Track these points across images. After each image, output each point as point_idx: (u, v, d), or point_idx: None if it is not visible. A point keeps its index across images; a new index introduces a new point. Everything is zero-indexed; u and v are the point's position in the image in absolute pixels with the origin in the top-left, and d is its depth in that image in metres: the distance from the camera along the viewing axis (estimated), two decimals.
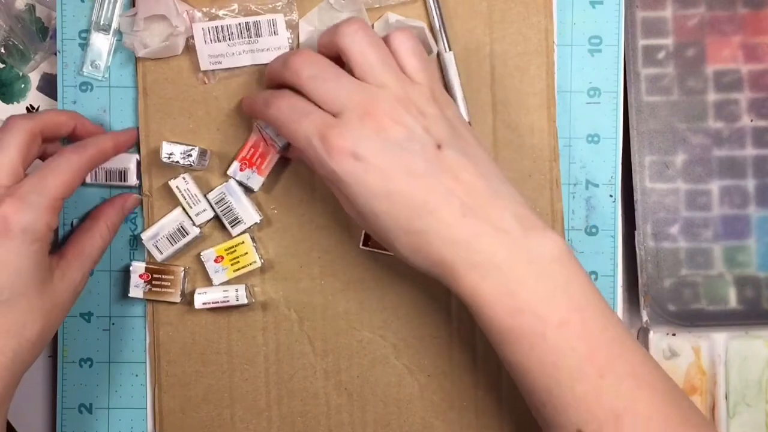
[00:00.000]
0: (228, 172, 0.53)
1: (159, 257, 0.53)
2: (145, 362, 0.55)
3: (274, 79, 0.49)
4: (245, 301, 0.53)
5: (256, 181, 0.53)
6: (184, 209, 0.53)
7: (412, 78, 0.46)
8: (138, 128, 0.54)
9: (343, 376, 0.55)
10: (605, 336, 0.43)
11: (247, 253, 0.53)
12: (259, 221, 0.53)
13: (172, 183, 0.53)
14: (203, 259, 0.53)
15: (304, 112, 0.45)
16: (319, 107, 0.45)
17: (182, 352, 0.54)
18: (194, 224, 0.53)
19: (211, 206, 0.53)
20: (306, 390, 0.55)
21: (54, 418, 0.55)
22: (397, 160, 0.43)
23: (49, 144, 0.51)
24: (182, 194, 0.53)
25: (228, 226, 0.53)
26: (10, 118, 0.48)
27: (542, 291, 0.43)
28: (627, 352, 0.44)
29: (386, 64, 0.45)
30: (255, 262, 0.53)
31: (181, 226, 0.53)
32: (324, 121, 0.44)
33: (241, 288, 0.53)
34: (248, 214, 0.53)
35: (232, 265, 0.53)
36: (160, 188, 0.54)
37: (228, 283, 0.54)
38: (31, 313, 0.46)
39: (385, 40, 0.47)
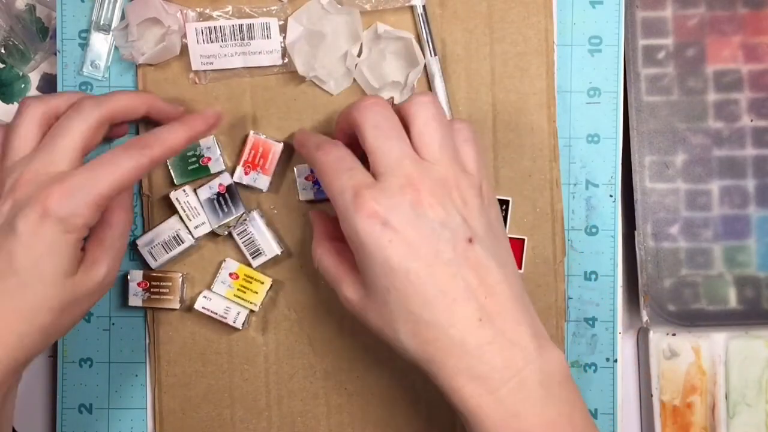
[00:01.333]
0: (234, 179, 0.53)
1: (153, 264, 0.53)
2: (145, 362, 0.55)
3: (343, 120, 0.48)
4: (239, 327, 0.53)
5: (263, 182, 0.53)
6: (183, 221, 0.53)
7: (465, 165, 0.44)
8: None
9: (343, 376, 0.55)
10: None
11: (257, 293, 0.53)
12: (279, 254, 0.53)
13: (173, 195, 0.53)
14: (223, 265, 0.53)
15: (348, 167, 0.44)
16: (366, 165, 0.44)
17: (182, 352, 0.54)
18: (192, 236, 0.53)
19: (232, 235, 0.53)
20: (306, 390, 0.55)
21: (54, 418, 0.55)
22: (426, 240, 0.41)
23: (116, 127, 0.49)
24: (182, 206, 0.53)
25: (249, 257, 0.53)
26: (82, 100, 0.47)
27: (549, 416, 0.41)
28: None
29: (446, 142, 0.44)
30: (255, 304, 0.53)
31: (177, 235, 0.53)
32: (363, 181, 0.43)
33: (243, 313, 0.53)
34: (269, 246, 0.53)
35: (238, 290, 0.53)
36: (160, 190, 0.54)
37: (224, 298, 0.53)
38: (46, 301, 0.44)
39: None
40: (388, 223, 0.41)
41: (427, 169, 0.43)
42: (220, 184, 0.53)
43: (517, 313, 0.42)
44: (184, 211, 0.53)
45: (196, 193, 0.53)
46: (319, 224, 0.50)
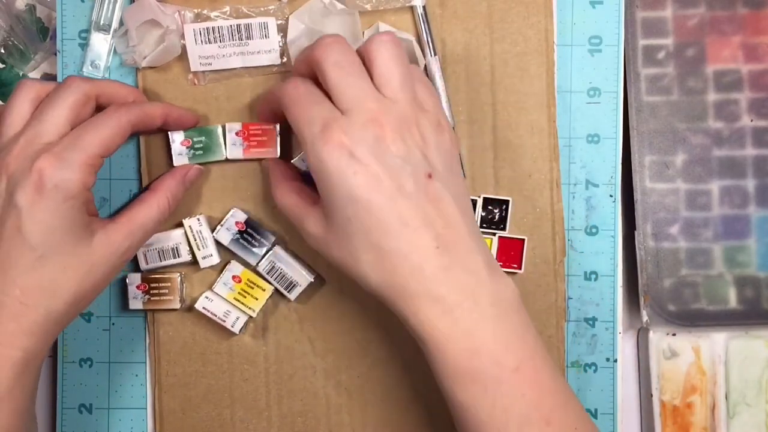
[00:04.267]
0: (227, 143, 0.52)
1: (143, 266, 0.53)
2: (145, 362, 0.55)
3: (301, 61, 0.48)
4: (236, 332, 0.53)
5: (272, 153, 0.52)
6: (191, 249, 0.53)
7: (422, 104, 0.46)
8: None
9: (343, 376, 0.55)
10: (553, 385, 0.45)
11: (257, 299, 0.53)
12: (313, 280, 0.53)
13: (186, 222, 0.53)
14: (228, 267, 0.53)
15: (317, 101, 0.45)
16: (330, 100, 0.45)
17: (182, 352, 0.54)
18: (199, 264, 0.53)
19: (262, 276, 0.53)
20: (306, 390, 0.55)
21: (54, 418, 0.55)
22: (389, 173, 0.43)
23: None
24: (193, 235, 0.53)
25: (285, 292, 0.53)
26: (69, 77, 0.48)
27: (501, 335, 0.44)
28: (570, 403, 0.45)
29: (406, 81, 0.45)
30: (253, 310, 0.53)
31: (177, 248, 0.53)
32: (332, 115, 0.44)
33: (243, 319, 0.53)
34: (301, 276, 0.53)
35: (238, 293, 0.53)
36: None
37: (225, 300, 0.53)
38: (64, 272, 0.45)
39: None
40: (353, 155, 0.43)
41: (389, 107, 0.44)
42: (237, 222, 0.53)
43: (471, 242, 0.44)
44: (195, 240, 0.53)
45: (209, 223, 0.53)
46: (276, 168, 0.52)
